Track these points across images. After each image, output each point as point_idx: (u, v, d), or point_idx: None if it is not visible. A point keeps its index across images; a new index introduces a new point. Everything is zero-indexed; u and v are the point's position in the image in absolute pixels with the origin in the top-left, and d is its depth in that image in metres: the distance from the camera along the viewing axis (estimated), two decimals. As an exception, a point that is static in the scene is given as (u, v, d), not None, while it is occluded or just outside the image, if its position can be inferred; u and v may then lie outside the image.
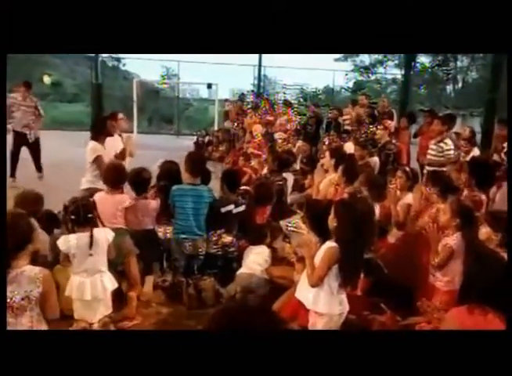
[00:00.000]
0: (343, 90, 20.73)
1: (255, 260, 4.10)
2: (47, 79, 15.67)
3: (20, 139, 8.26)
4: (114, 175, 4.23)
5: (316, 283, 3.07)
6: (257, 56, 18.28)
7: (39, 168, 8.46)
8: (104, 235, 3.42)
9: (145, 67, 23.38)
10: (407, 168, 4.70)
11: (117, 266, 3.71)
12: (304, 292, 3.19)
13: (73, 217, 3.31)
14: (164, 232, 4.37)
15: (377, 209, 3.91)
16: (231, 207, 4.29)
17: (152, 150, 10.56)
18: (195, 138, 12.64)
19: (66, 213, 3.38)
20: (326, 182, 4.68)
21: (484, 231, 3.26)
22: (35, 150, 8.41)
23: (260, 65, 18.40)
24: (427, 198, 4.00)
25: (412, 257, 3.91)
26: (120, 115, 6.26)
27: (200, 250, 4.21)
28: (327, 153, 4.91)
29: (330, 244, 3.02)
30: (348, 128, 9.03)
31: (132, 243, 3.95)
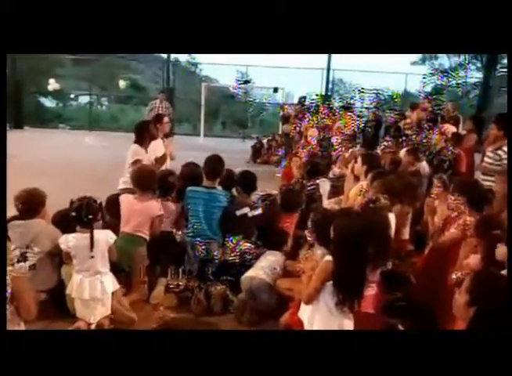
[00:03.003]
0: (418, 94, 19.70)
1: (263, 265, 3.84)
2: (122, 83, 16.54)
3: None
4: (143, 178, 4.13)
5: (307, 298, 2.84)
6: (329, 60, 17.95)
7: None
8: (104, 237, 3.41)
9: (219, 72, 23.68)
10: (444, 176, 4.28)
11: (121, 266, 3.69)
12: (302, 311, 2.96)
13: (74, 214, 3.34)
14: (181, 235, 4.30)
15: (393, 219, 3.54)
16: (246, 209, 4.12)
17: (211, 152, 10.62)
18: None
19: (70, 209, 3.42)
20: (355, 190, 4.37)
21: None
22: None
23: (328, 68, 18.02)
24: (454, 208, 3.57)
25: (437, 274, 3.51)
26: (166, 119, 6.37)
27: (214, 254, 4.09)
28: (359, 159, 4.59)
29: (326, 257, 2.79)
30: (408, 132, 8.49)
31: (146, 253, 3.95)
